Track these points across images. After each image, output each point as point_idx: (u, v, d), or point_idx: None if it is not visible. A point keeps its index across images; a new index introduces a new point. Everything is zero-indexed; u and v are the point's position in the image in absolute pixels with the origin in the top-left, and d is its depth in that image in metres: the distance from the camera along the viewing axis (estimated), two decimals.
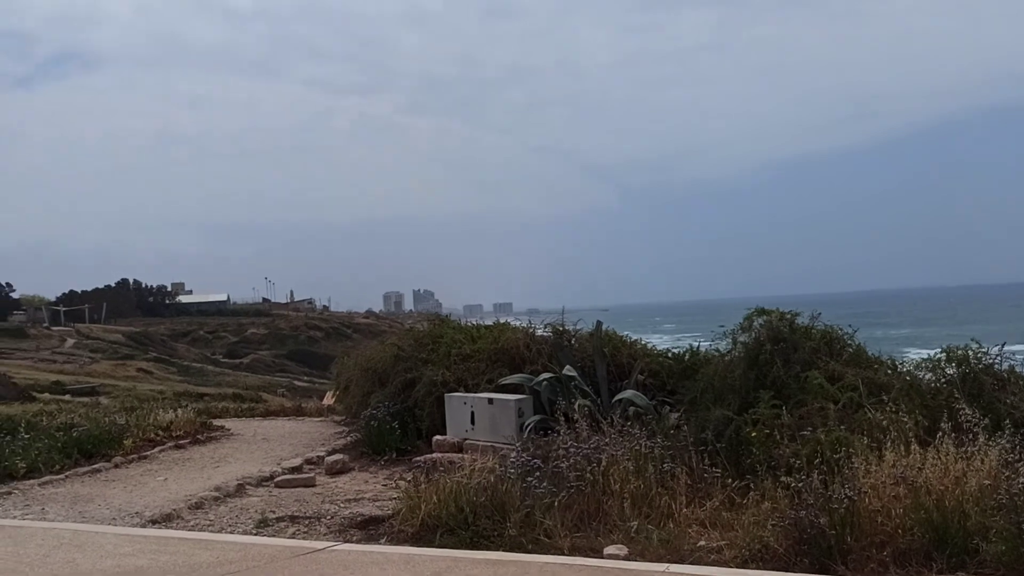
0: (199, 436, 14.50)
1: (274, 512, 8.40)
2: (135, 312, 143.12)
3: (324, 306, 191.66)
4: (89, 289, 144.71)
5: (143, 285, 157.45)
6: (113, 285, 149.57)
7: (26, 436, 12.10)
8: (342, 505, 8.65)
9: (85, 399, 47.28)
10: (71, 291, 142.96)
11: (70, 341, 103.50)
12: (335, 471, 10.64)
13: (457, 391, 11.21)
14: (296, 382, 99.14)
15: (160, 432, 14.10)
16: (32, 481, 10.28)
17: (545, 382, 10.43)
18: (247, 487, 9.63)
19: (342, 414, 17.96)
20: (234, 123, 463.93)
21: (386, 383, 12.93)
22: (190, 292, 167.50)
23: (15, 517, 8.41)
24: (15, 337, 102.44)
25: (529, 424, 9.96)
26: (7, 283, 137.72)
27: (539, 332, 11.84)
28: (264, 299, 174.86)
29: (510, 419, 10.14)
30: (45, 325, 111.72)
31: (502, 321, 14.58)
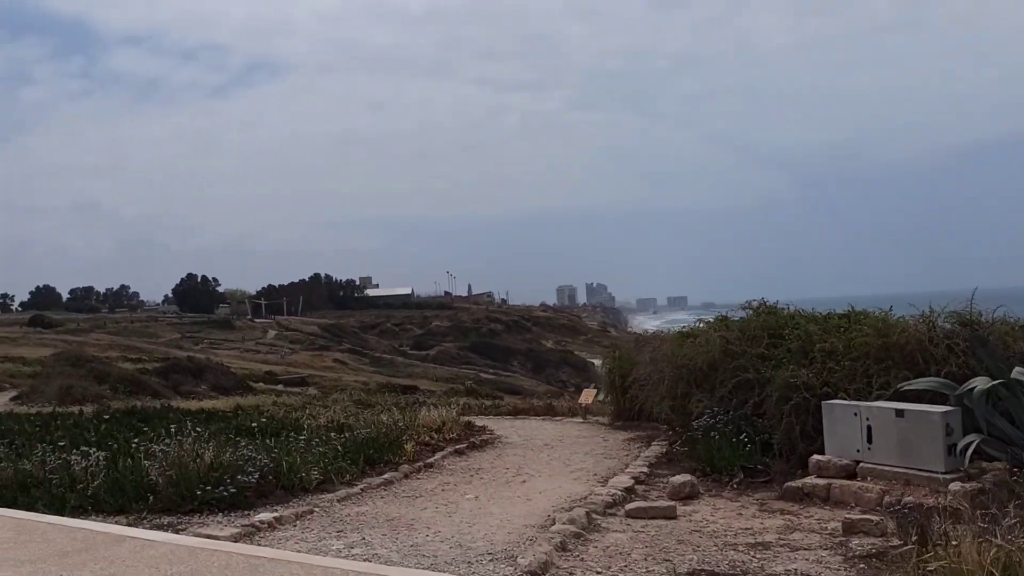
0: (472, 440, 12.82)
1: (670, 560, 6.27)
2: (327, 305, 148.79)
3: (502, 299, 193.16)
4: (285, 283, 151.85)
5: (333, 279, 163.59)
6: (306, 279, 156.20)
7: (299, 437, 10.68)
8: (755, 554, 6.41)
9: (296, 389, 48.29)
10: (269, 285, 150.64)
11: (271, 332, 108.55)
12: (682, 495, 8.46)
13: (835, 397, 8.76)
14: (482, 374, 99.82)
15: (434, 434, 12.50)
16: (328, 496, 8.70)
17: (977, 389, 7.79)
18: (594, 516, 7.58)
19: (610, 415, 15.98)
20: (410, 123, 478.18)
21: (704, 384, 10.69)
22: (376, 286, 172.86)
23: (338, 552, 6.70)
24: (223, 328, 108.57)
25: (966, 447, 7.39)
26: (214, 278, 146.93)
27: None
28: (446, 292, 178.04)
29: (934, 438, 7.60)
30: (248, 317, 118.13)
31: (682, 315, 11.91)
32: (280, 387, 48.16)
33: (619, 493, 8.48)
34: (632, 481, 9.04)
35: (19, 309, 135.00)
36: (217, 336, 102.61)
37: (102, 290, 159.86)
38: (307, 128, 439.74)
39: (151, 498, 8.00)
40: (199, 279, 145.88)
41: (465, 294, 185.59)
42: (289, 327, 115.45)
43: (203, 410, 16.97)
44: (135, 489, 8.14)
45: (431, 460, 11.06)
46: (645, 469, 9.84)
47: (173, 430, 11.56)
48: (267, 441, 9.83)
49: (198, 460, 8.25)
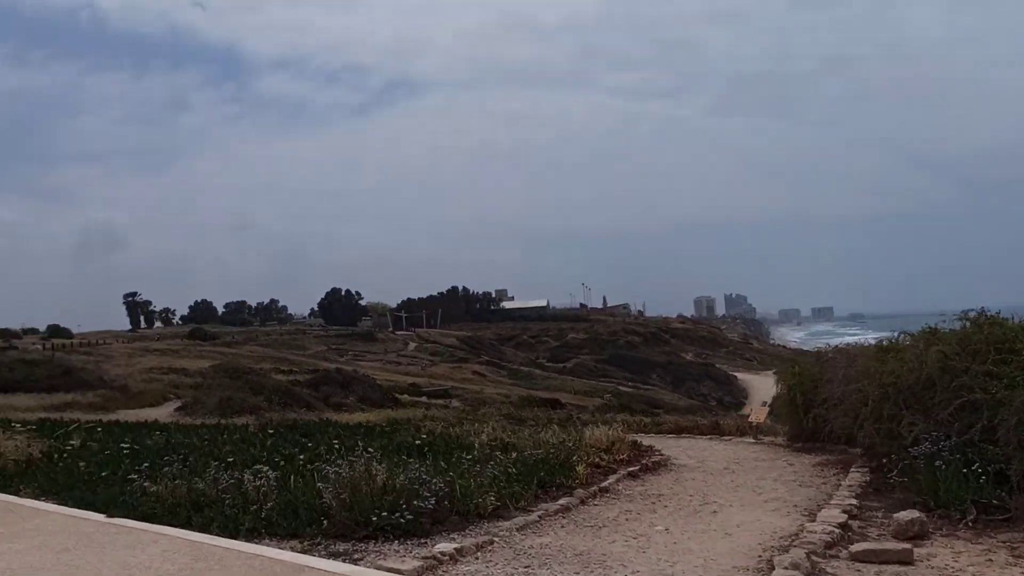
0: (644, 462, 11.97)
1: None
2: (464, 317, 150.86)
3: (639, 311, 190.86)
4: (424, 296, 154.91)
5: (470, 292, 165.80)
6: (444, 292, 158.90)
7: (467, 457, 10.11)
8: None
9: (439, 401, 48.62)
10: (408, 298, 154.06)
11: (411, 344, 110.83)
12: (910, 535, 7.33)
13: None
14: (621, 387, 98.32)
15: (603, 455, 11.72)
16: (505, 524, 8.05)
17: None
18: (815, 558, 6.60)
19: (786, 436, 14.79)
20: (545, 136, 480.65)
21: (915, 404, 9.46)
22: (512, 298, 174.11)
23: None
24: (366, 341, 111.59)
25: None
26: (356, 292, 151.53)
27: None
28: (581, 304, 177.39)
29: None
30: (390, 330, 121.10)
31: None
32: (424, 399, 48.67)
33: (835, 531, 7.43)
34: (844, 516, 7.97)
35: (180, 322, 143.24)
36: (360, 348, 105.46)
37: (254, 304, 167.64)
38: (445, 143, 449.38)
39: (324, 522, 7.56)
40: (343, 293, 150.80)
41: (600, 306, 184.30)
42: (428, 339, 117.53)
43: (361, 424, 16.79)
44: (308, 512, 7.74)
45: (605, 484, 10.29)
46: (854, 501, 8.72)
47: (337, 446, 11.32)
48: (439, 462, 9.28)
49: (371, 482, 7.77)
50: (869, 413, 9.88)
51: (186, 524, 8.10)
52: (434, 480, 8.00)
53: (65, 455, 11.68)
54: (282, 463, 9.94)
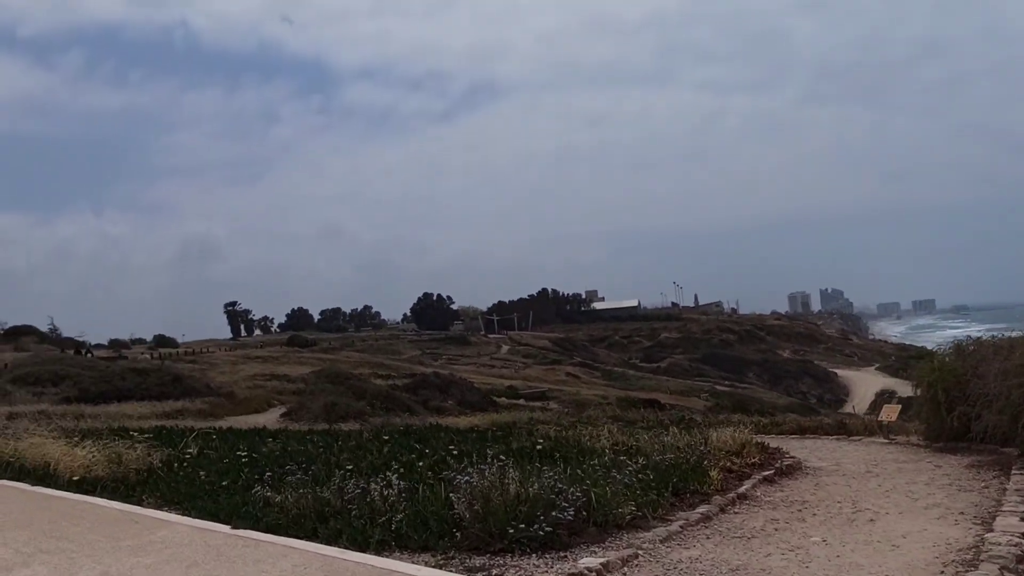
0: (777, 466, 11.26)
1: None
2: (555, 319, 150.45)
3: (732, 308, 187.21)
4: (514, 299, 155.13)
5: (560, 294, 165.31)
6: (534, 295, 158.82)
7: (596, 463, 9.60)
8: None
9: (537, 403, 48.27)
10: (499, 302, 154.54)
11: (504, 347, 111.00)
12: None
13: None
14: (717, 386, 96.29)
15: (734, 459, 11.07)
16: (646, 535, 7.51)
17: None
18: (1008, 574, 5.88)
19: (923, 435, 13.85)
20: (629, 135, 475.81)
21: None
22: (602, 299, 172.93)
23: None
24: (459, 344, 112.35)
25: None
26: (448, 296, 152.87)
27: None
28: (672, 303, 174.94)
29: None
30: (482, 333, 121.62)
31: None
32: (522, 402, 48.39)
33: (1022, 542, 6.67)
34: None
35: (278, 330, 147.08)
36: (454, 352, 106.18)
37: (348, 311, 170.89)
38: (528, 146, 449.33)
39: (457, 534, 7.17)
40: (434, 297, 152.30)
41: (692, 305, 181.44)
42: (521, 342, 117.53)
43: (473, 429, 16.47)
44: (439, 524, 7.35)
45: (741, 490, 9.65)
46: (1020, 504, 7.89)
47: (455, 452, 10.98)
48: (572, 469, 8.79)
49: (504, 491, 7.34)
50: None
51: (312, 536, 7.83)
52: (570, 489, 7.51)
53: (185, 464, 11.65)
54: (401, 470, 9.62)
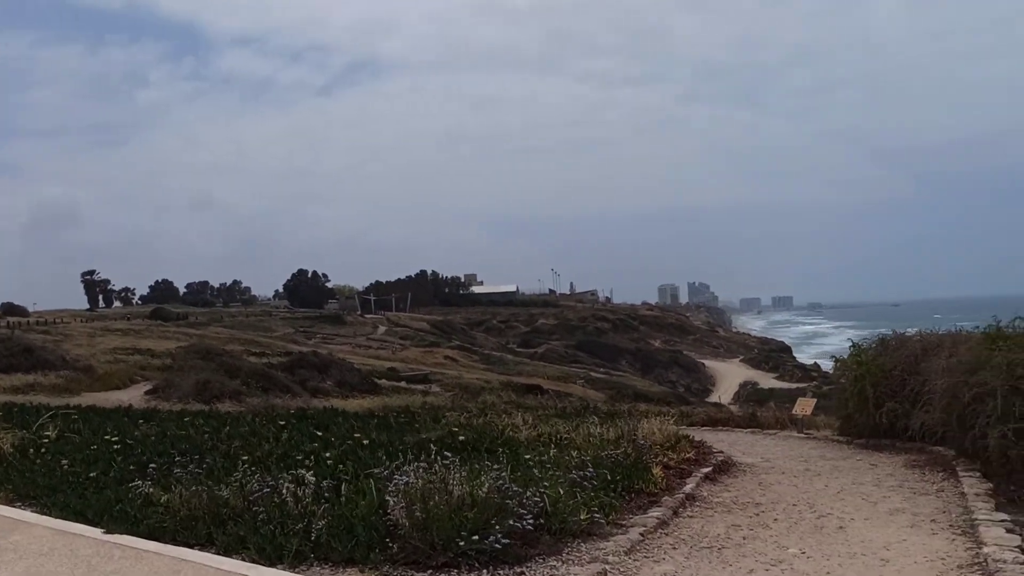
0: (711, 462, 10.53)
1: None
2: (433, 301, 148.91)
3: (607, 298, 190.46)
4: (392, 280, 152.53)
5: (439, 276, 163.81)
6: (413, 276, 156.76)
7: (544, 460, 8.55)
8: None
9: (420, 386, 46.95)
10: (377, 281, 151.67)
11: (381, 328, 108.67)
12: None
13: None
14: (592, 373, 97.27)
15: (670, 454, 10.26)
16: (606, 545, 6.51)
17: None
18: None
19: (837, 430, 13.55)
20: (515, 120, 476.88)
21: None
22: (481, 283, 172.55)
23: None
24: (334, 323, 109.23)
25: None
26: (323, 274, 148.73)
27: None
28: (550, 290, 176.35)
29: None
30: (359, 313, 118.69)
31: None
32: (404, 384, 46.95)
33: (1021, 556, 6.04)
34: (1019, 537, 6.57)
35: (139, 302, 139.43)
36: (329, 331, 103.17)
37: (216, 285, 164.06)
38: (413, 127, 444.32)
39: (392, 546, 5.98)
40: (309, 275, 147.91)
41: (568, 292, 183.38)
42: (398, 323, 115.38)
43: (371, 413, 15.17)
44: (368, 532, 6.14)
45: (687, 489, 8.82)
46: (1005, 516, 7.34)
47: (365, 442, 9.72)
48: (514, 466, 7.69)
49: (448, 494, 6.19)
50: (1001, 411, 8.48)
51: (207, 543, 6.49)
52: (526, 491, 6.43)
53: (42, 450, 9.92)
54: (307, 463, 8.32)
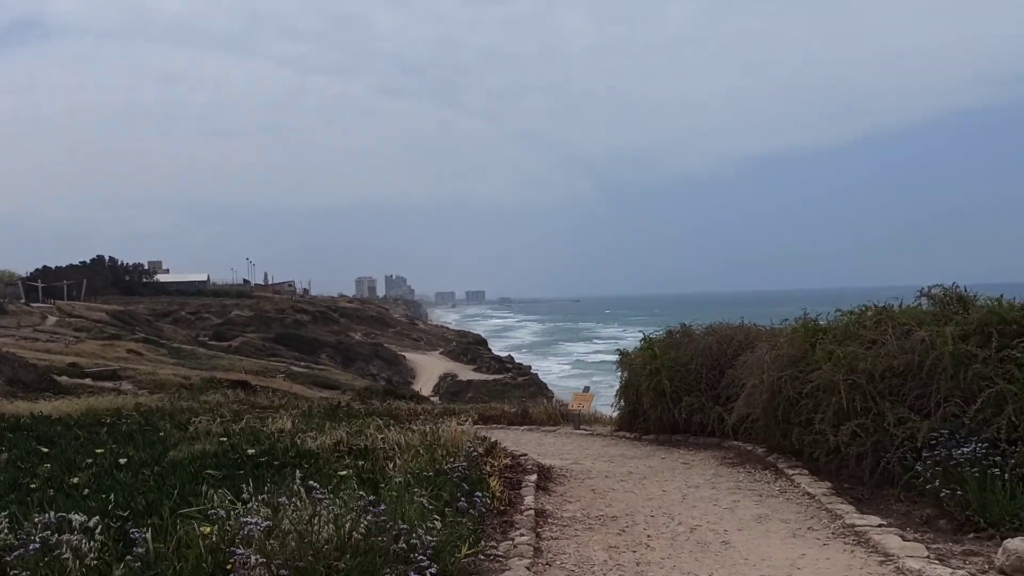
0: (533, 468, 9.54)
1: None
2: (112, 290, 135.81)
3: (305, 289, 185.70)
4: (63, 265, 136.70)
5: (118, 263, 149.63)
6: (88, 262, 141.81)
7: (394, 480, 6.98)
8: None
9: (107, 383, 41.71)
10: (44, 266, 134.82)
11: (52, 318, 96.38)
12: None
13: None
14: (293, 367, 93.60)
15: (491, 461, 9.11)
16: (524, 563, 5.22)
17: None
18: None
19: (617, 425, 13.27)
20: (204, 99, 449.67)
21: (900, 397, 8.09)
22: (167, 271, 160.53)
23: None
24: None
25: None
26: None
27: None
28: (244, 280, 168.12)
29: None
30: (23, 301, 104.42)
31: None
32: (89, 381, 41.43)
33: (945, 571, 5.61)
34: (923, 548, 6.18)
35: None
36: None
37: None
38: (88, 98, 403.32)
39: None
40: None
41: (263, 283, 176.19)
42: (72, 313, 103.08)
43: (84, 417, 12.43)
44: None
45: (529, 503, 7.72)
46: (876, 519, 7.02)
47: (123, 461, 7.49)
48: (368, 492, 6.04)
49: (313, 533, 4.52)
50: (845, 408, 8.26)
51: None
52: (417, 526, 4.91)
53: None
54: (52, 493, 6.11)
